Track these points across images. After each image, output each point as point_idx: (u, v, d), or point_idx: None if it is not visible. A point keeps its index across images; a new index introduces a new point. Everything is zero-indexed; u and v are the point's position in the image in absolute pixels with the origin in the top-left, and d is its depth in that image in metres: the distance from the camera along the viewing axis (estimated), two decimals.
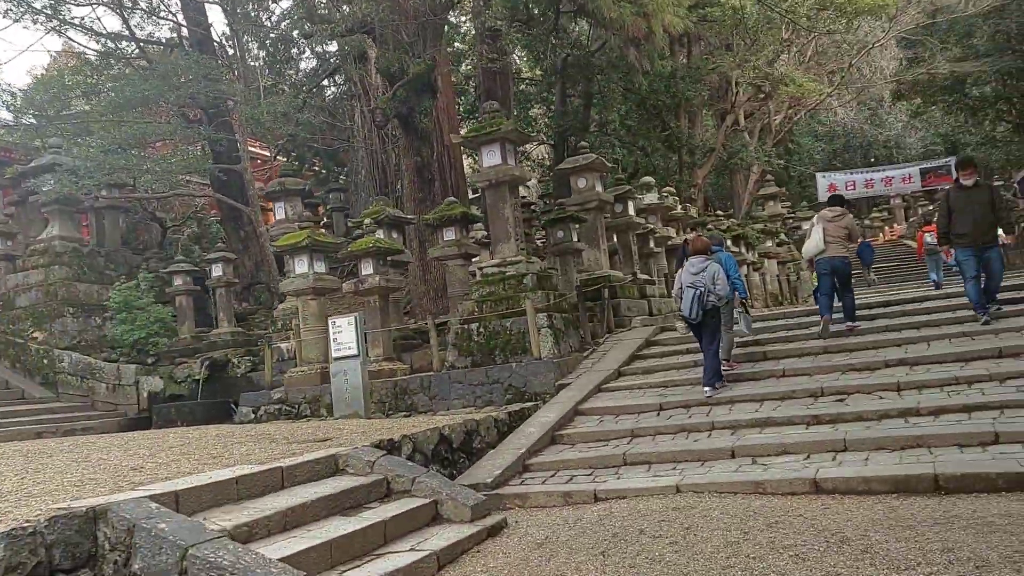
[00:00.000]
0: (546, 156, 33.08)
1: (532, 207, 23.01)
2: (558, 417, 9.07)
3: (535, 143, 30.91)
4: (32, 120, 17.10)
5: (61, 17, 17.94)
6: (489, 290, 12.45)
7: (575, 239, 14.47)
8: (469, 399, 11.39)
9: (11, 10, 16.80)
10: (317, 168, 29.82)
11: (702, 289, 8.79)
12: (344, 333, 10.97)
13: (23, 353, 15.50)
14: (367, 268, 12.90)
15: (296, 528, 5.29)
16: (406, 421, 9.71)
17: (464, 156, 21.49)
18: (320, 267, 13.55)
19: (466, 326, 12.26)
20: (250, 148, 26.64)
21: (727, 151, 28.59)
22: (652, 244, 17.30)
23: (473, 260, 14.51)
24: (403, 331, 14.00)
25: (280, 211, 15.90)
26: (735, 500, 6.07)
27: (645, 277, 16.09)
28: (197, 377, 14.87)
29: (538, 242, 18.97)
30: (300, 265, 13.48)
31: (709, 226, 20.36)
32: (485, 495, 6.77)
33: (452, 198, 14.34)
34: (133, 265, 18.09)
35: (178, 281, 16.56)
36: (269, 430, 9.56)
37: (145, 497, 4.75)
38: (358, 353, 10.89)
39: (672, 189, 21.17)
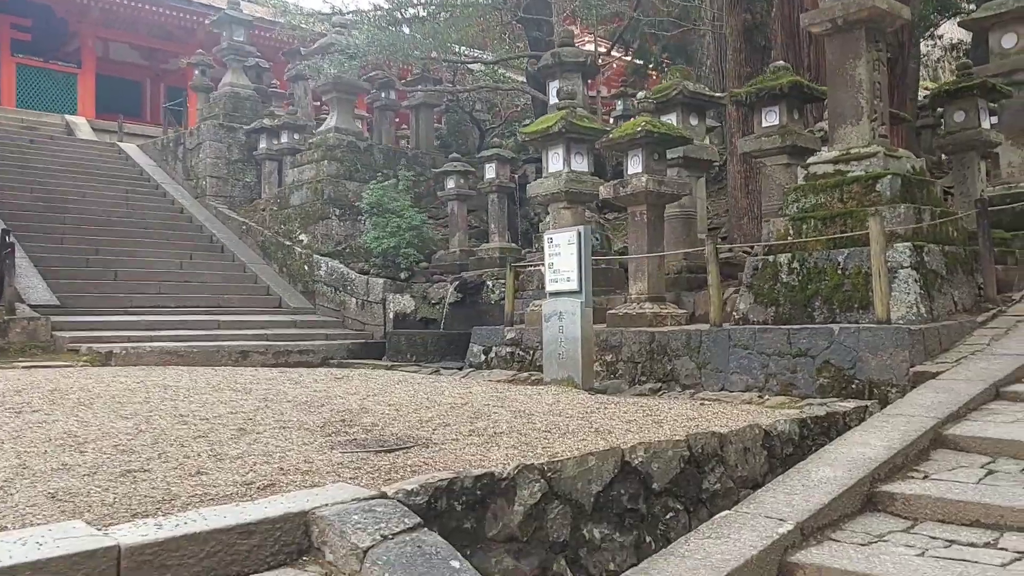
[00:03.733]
0: None
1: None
2: (892, 451, 4.43)
3: None
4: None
5: None
6: (816, 200, 7.70)
7: (986, 127, 8.83)
8: (757, 375, 6.98)
9: None
10: (664, 63, 25.50)
11: None
12: (562, 256, 7.19)
13: (289, 257, 14.30)
14: (634, 165, 8.85)
15: None
16: (631, 409, 5.76)
17: None
18: (580, 163, 9.82)
19: (770, 259, 7.71)
20: (580, 40, 23.42)
21: None
22: None
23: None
24: (687, 261, 9.77)
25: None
26: None
27: None
28: (451, 300, 12.28)
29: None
30: (554, 161, 9.88)
31: None
32: None
33: (781, 63, 9.49)
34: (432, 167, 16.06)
35: (450, 184, 14.02)
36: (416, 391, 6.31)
37: None
38: (579, 288, 7.06)
39: None
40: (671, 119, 9.97)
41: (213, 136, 16.95)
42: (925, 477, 4.31)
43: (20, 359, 9.46)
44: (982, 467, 4.37)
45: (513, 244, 13.33)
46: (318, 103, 18.96)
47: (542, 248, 8.03)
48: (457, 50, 21.01)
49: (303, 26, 18.49)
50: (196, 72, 19.16)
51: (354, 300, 12.98)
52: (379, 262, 12.84)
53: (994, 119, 10.19)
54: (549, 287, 7.37)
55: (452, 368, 10.07)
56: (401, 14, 16.16)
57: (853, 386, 6.33)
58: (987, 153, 9.83)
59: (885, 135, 7.73)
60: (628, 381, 8.00)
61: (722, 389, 7.19)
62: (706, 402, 6.48)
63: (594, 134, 9.68)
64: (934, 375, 5.76)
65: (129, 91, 25.15)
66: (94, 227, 14.27)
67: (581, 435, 4.57)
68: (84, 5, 23.08)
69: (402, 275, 12.77)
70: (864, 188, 7.33)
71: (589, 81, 13.29)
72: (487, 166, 13.37)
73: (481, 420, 4.99)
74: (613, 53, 23.97)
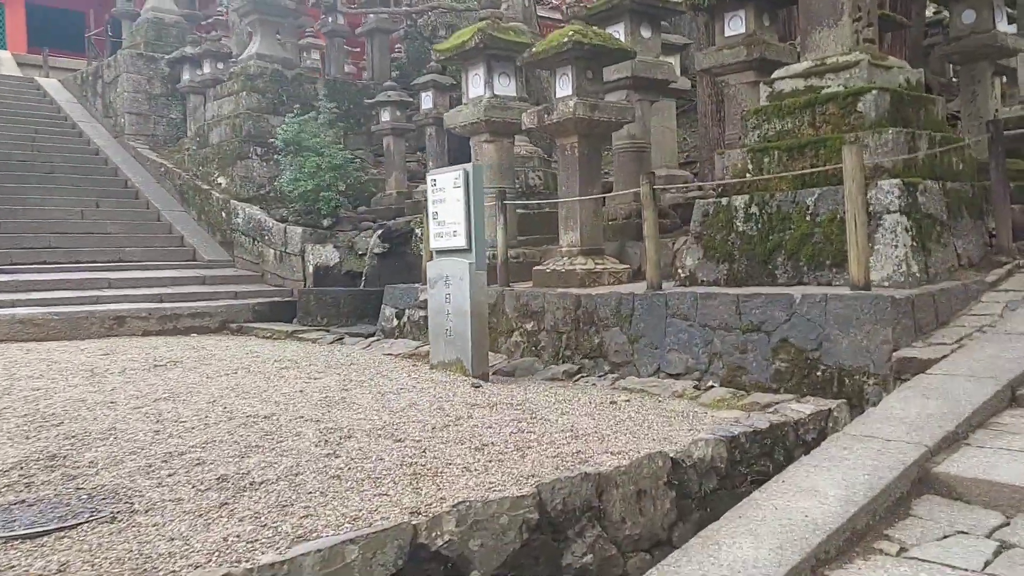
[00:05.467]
0: None
1: None
2: (851, 509, 2.87)
3: None
4: None
5: None
6: (782, 126, 6.01)
7: (1002, 31, 7.08)
8: (699, 355, 5.40)
9: None
10: None
11: None
12: (447, 204, 5.54)
13: (207, 203, 12.63)
14: (562, 86, 7.11)
15: None
16: (507, 416, 4.24)
17: None
18: (506, 86, 8.07)
19: (723, 202, 6.06)
20: None
21: None
22: None
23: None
24: (638, 204, 8.11)
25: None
26: None
27: None
28: (376, 251, 10.66)
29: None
30: (474, 84, 8.14)
31: None
32: None
33: None
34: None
35: (385, 117, 12.27)
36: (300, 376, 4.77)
37: None
38: (467, 245, 5.42)
39: None
40: (617, 31, 8.18)
41: (131, 67, 15.10)
42: (900, 552, 2.76)
43: None
44: (990, 534, 2.81)
45: None
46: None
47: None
48: None
49: None
50: None
51: (272, 251, 11.36)
52: (299, 208, 11.17)
53: (1012, 27, 8.35)
54: (433, 243, 5.75)
55: (360, 336, 8.54)
56: None
57: (818, 374, 4.75)
58: (998, 61, 8.03)
59: (872, 39, 5.98)
60: (550, 357, 6.44)
61: (657, 371, 5.62)
62: (624, 395, 4.93)
63: (523, 49, 7.90)
64: (925, 364, 4.18)
65: (68, 22, 23.08)
66: None
67: (384, 486, 3.02)
68: None
69: (324, 223, 11.11)
70: (842, 108, 5.63)
71: None
72: (423, 95, 11.61)
73: (258, 454, 3.44)
74: None
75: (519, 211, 8.67)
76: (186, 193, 13.20)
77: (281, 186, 11.37)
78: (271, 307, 10.13)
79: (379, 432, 3.84)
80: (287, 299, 10.49)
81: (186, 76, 14.85)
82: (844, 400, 4.42)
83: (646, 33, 8.35)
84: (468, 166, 5.39)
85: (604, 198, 7.89)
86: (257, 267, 11.65)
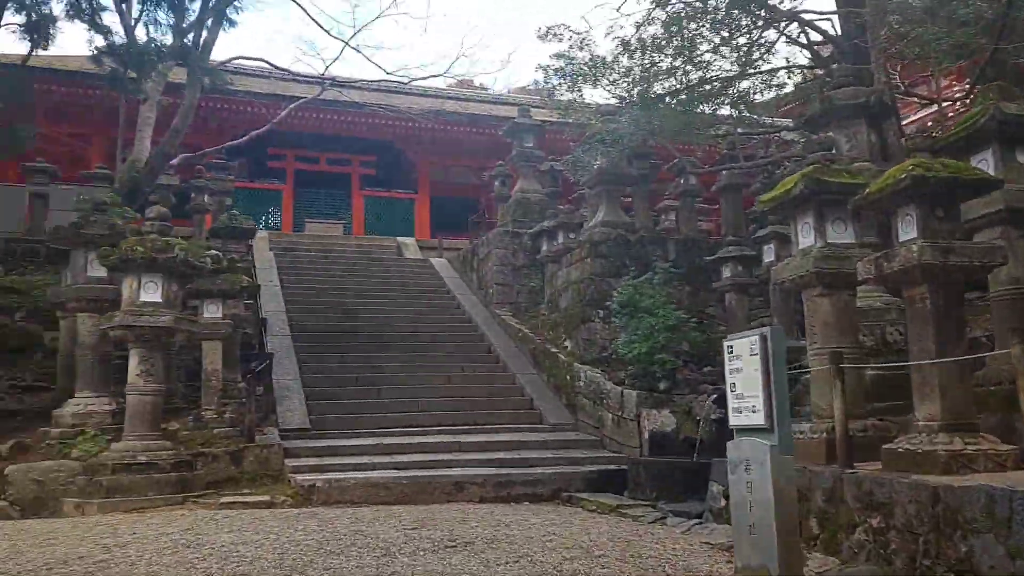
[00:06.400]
0: None
1: None
2: None
3: None
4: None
5: None
6: None
7: None
8: None
9: None
10: None
11: None
12: (744, 374, 4.78)
13: (555, 366, 12.91)
14: (905, 227, 6.01)
15: None
16: None
17: None
18: (841, 233, 7.12)
19: None
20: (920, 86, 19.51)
21: None
22: None
23: None
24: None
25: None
26: None
27: None
28: (712, 417, 9.85)
29: None
30: (803, 233, 7.32)
31: None
32: None
33: None
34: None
35: (726, 272, 11.65)
36: None
37: None
38: (769, 424, 4.56)
39: None
40: (984, 160, 6.87)
41: (499, 243, 16.64)
42: None
43: (243, 490, 9.26)
44: None
45: (803, 342, 10.49)
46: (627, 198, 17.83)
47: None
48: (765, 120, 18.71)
49: (592, 121, 17.71)
50: (496, 183, 19.36)
51: (610, 415, 11.14)
52: (635, 370, 10.90)
53: None
54: (732, 419, 4.96)
55: (685, 515, 7.77)
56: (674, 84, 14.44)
57: None
58: None
59: None
60: (903, 566, 5.10)
61: None
62: None
63: (860, 191, 6.94)
64: None
65: (458, 208, 26.56)
66: (377, 344, 14.43)
67: None
68: (417, 136, 25.11)
69: (660, 385, 10.65)
70: None
71: (888, 124, 10.23)
72: (765, 248, 10.91)
73: None
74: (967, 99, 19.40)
75: (870, 372, 7.40)
76: (538, 357, 13.76)
77: (617, 348, 11.26)
78: (604, 476, 9.76)
79: None
80: (621, 467, 10.06)
81: (544, 247, 15.90)
82: None
83: (1022, 158, 6.87)
84: (766, 330, 4.63)
85: (976, 359, 6.37)
86: (597, 431, 11.50)
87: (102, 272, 9.79)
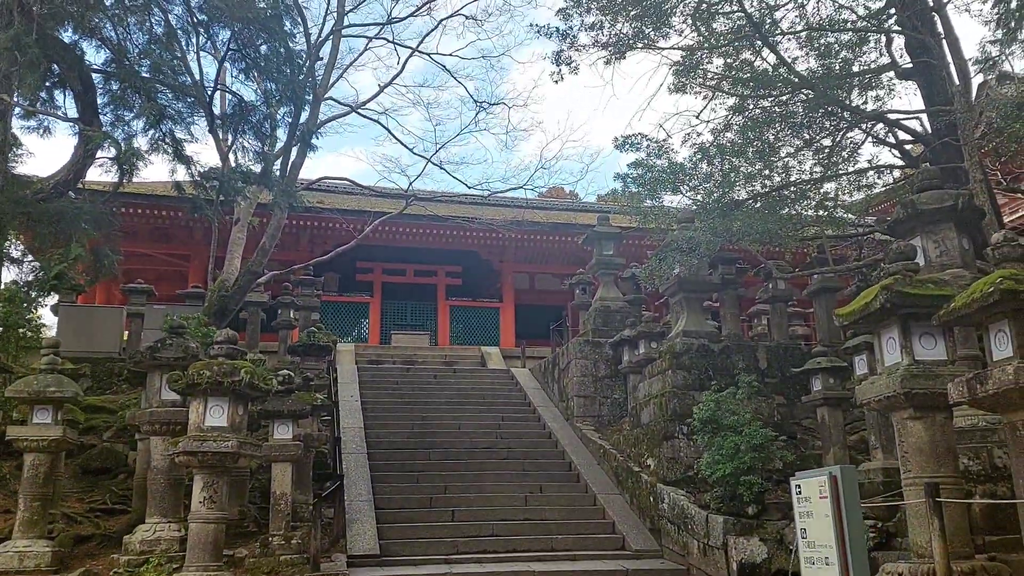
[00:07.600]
0: None
1: None
2: None
3: None
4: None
5: None
6: None
7: None
8: None
9: None
10: None
11: None
12: (815, 520, 4.19)
13: (637, 486, 12.12)
14: (999, 345, 5.36)
15: None
16: None
17: None
18: (931, 349, 6.45)
19: None
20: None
21: None
22: None
23: None
24: None
25: None
26: None
27: None
28: None
29: None
30: (888, 349, 6.67)
31: None
32: None
33: None
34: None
35: (816, 385, 10.82)
36: None
37: None
38: None
39: None
40: None
41: (580, 353, 16.20)
42: None
43: None
44: None
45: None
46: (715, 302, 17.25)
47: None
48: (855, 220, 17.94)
49: (672, 228, 17.40)
50: (577, 291, 19.13)
51: (695, 542, 10.31)
52: (720, 493, 10.12)
53: None
54: (804, 571, 4.32)
55: None
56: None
57: None
58: None
59: None
60: None
61: None
62: None
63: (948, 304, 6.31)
64: None
65: (542, 316, 26.36)
66: (454, 461, 14.05)
67: None
68: (501, 245, 25.32)
69: (749, 510, 9.82)
70: None
71: (985, 225, 9.49)
72: (856, 359, 10.10)
73: None
74: None
75: (977, 502, 6.54)
76: (620, 475, 13.06)
77: (701, 468, 10.53)
78: None
79: None
80: None
81: (626, 357, 15.40)
82: None
83: None
84: (836, 469, 4.10)
85: None
86: (683, 559, 10.65)
87: (175, 395, 9.88)
